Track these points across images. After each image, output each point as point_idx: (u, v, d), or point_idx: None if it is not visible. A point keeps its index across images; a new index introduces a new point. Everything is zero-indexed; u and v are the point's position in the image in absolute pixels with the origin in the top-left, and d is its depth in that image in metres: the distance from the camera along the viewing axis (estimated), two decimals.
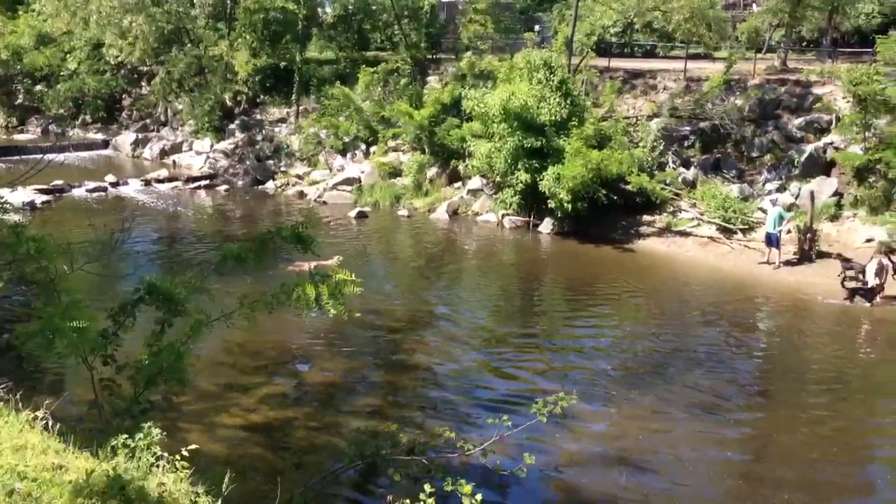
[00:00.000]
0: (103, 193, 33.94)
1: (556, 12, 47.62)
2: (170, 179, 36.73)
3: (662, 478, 12.36)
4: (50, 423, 7.38)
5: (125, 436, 6.86)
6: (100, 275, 11.06)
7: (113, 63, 44.90)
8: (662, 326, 19.71)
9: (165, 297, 9.06)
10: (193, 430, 12.85)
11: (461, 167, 33.24)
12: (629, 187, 27.42)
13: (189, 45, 43.36)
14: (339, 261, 23.82)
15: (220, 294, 9.70)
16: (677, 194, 28.34)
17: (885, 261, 21.44)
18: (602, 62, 36.61)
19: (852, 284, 21.53)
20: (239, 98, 42.52)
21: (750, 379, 16.80)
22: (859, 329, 20.00)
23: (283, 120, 41.42)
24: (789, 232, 24.79)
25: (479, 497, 6.67)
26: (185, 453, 6.81)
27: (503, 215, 29.83)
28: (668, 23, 35.48)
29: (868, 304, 20.98)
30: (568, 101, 28.86)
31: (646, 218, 28.23)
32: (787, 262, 24.01)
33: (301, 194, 34.93)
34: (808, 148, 28.05)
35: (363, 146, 37.05)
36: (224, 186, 36.44)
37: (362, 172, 34.90)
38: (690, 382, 15.93)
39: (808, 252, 24.02)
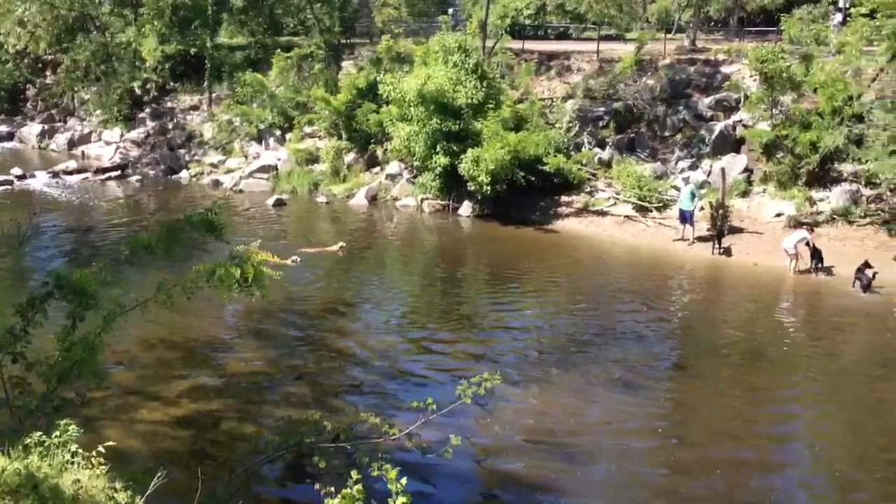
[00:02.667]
0: (9, 187, 32.63)
1: None
2: (79, 171, 35.69)
3: (588, 459, 12.52)
4: None
5: (39, 434, 6.65)
6: (8, 270, 10.74)
7: (13, 52, 43.38)
8: (583, 305, 19.97)
9: (75, 291, 8.78)
10: (113, 425, 12.58)
11: (379, 152, 33.07)
12: (546, 168, 27.65)
13: (94, 32, 42.15)
14: (344, 247, 23.51)
15: (138, 285, 9.46)
16: (593, 174, 28.70)
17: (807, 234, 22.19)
18: (516, 45, 36.83)
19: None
20: (148, 86, 41.48)
21: (671, 354, 17.18)
22: (772, 300, 20.58)
23: (195, 108, 40.61)
24: (702, 209, 25.33)
25: (403, 481, 6.66)
26: (101, 450, 6.64)
27: (422, 199, 29.80)
28: (580, 4, 35.85)
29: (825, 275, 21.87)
30: (484, 84, 28.97)
31: (564, 198, 28.47)
32: (700, 238, 24.56)
33: (216, 183, 34.32)
34: (718, 126, 28.73)
35: (278, 133, 36.52)
36: (136, 177, 35.53)
37: (279, 160, 34.45)
38: (613, 360, 16.15)
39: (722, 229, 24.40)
